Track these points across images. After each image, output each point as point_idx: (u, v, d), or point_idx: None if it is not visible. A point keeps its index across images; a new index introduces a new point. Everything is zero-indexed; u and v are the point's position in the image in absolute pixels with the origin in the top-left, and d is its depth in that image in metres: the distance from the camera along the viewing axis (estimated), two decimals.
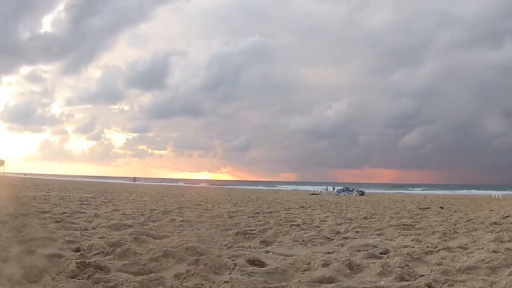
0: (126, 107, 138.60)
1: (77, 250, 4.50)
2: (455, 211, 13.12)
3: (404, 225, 8.32)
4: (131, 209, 10.47)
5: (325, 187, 41.97)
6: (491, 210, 13.55)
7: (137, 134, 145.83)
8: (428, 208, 14.43)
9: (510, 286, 3.47)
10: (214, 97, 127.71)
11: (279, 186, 64.63)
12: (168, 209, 10.70)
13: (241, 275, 3.63)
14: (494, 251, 4.86)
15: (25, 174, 74.89)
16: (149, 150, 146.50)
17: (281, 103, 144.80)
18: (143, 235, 5.68)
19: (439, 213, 12.30)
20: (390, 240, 6.31)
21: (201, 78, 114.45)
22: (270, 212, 11.14)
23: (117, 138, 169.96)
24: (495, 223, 8.42)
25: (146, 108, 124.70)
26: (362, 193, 33.35)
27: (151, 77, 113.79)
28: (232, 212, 10.64)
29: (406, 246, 5.49)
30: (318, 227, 7.88)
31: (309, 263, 4.30)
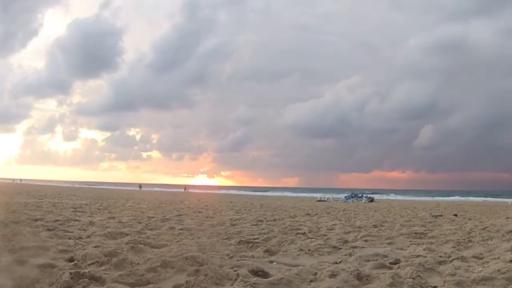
0: (78, 98, 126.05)
1: (71, 259, 4.51)
2: (470, 219, 13.05)
3: (415, 233, 8.29)
4: (127, 216, 10.49)
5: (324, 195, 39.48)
6: (507, 218, 13.45)
7: (116, 132, 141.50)
8: (441, 215, 14.36)
9: None
10: (187, 81, 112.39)
11: (285, 192, 64.43)
12: (166, 217, 10.71)
13: (243, 286, 3.64)
14: (511, 261, 4.83)
15: (21, 180, 75.41)
16: (137, 152, 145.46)
17: (275, 92, 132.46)
18: (140, 244, 5.68)
19: (453, 221, 12.24)
20: (401, 249, 6.29)
21: (162, 54, 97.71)
22: (274, 220, 11.12)
23: (94, 138, 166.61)
24: (511, 231, 8.36)
25: (103, 98, 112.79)
26: (372, 200, 33.23)
27: (102, 56, 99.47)
28: (234, 220, 10.64)
29: (418, 256, 5.47)
30: (325, 235, 7.86)
31: (316, 273, 4.29)
